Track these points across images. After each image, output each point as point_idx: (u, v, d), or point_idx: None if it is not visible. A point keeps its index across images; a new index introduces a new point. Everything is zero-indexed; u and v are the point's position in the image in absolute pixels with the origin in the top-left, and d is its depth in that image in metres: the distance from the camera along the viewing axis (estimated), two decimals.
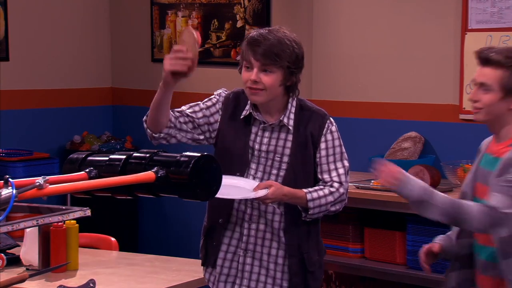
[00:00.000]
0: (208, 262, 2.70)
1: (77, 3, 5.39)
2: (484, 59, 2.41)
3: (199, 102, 2.69)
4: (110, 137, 5.39)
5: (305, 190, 2.60)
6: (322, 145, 2.63)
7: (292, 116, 2.63)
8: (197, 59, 2.47)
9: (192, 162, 1.74)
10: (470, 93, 2.43)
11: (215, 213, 2.68)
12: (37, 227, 2.91)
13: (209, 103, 2.68)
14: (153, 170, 1.75)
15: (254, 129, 2.65)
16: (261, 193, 2.53)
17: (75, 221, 2.99)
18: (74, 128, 5.33)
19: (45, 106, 5.27)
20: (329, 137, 2.64)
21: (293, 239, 2.64)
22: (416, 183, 2.39)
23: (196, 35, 2.46)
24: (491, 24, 4.06)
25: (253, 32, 2.61)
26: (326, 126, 2.63)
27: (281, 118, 2.62)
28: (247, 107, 2.65)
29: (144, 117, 2.63)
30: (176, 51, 2.46)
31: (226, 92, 2.71)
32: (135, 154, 1.82)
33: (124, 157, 1.81)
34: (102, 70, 5.53)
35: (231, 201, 2.63)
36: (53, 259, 2.94)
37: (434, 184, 3.88)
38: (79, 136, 5.31)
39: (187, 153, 1.78)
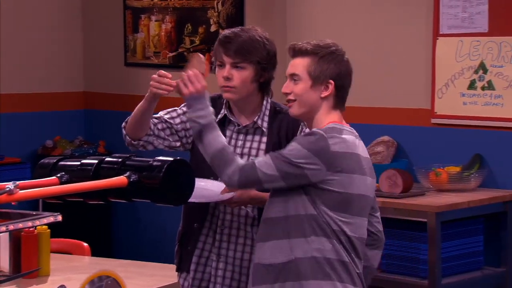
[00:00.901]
0: (183, 268, 2.70)
1: (49, 6, 5.35)
2: (292, 50, 2.40)
3: (176, 108, 2.70)
4: (83, 141, 5.36)
5: None
6: None
7: (266, 118, 2.65)
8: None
9: (165, 166, 1.73)
10: (283, 87, 2.40)
11: (190, 218, 2.68)
12: (7, 233, 2.88)
13: (185, 108, 2.69)
14: (126, 174, 1.74)
15: (228, 133, 2.65)
16: (227, 196, 2.53)
17: (46, 226, 2.96)
18: (46, 133, 5.28)
19: (16, 111, 5.22)
20: None
21: None
22: (209, 109, 2.39)
23: (206, 65, 2.47)
24: (462, 29, 4.10)
25: (225, 31, 2.65)
26: (300, 128, 2.65)
27: (255, 120, 2.64)
28: (222, 110, 2.66)
29: (123, 124, 2.63)
30: (162, 75, 2.49)
31: None
32: (107, 159, 1.81)
33: (96, 161, 1.80)
34: (75, 74, 5.49)
35: (206, 205, 2.63)
36: (24, 265, 2.91)
37: (406, 188, 3.91)
38: (51, 140, 5.27)
39: (160, 158, 1.78)
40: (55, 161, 1.85)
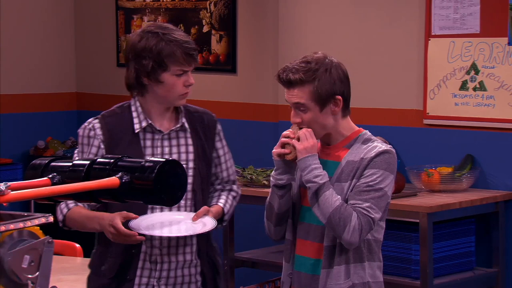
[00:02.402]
0: None
1: (41, 7, 5.34)
2: (287, 82, 2.35)
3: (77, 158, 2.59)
4: (75, 142, 5.35)
5: (220, 205, 2.60)
6: (218, 144, 2.64)
7: (184, 119, 2.58)
8: None
9: (157, 167, 1.73)
10: (291, 115, 2.39)
11: (124, 244, 2.51)
12: None
13: (86, 149, 2.58)
14: (118, 175, 1.74)
15: (148, 143, 2.54)
16: (211, 224, 2.48)
17: (38, 228, 2.95)
18: (38, 134, 5.27)
19: (9, 111, 5.21)
20: (221, 135, 2.66)
21: (203, 247, 2.59)
22: (321, 166, 2.34)
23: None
24: (454, 30, 4.11)
25: (174, 34, 2.50)
26: (216, 125, 2.64)
27: (183, 121, 2.56)
28: (140, 121, 2.55)
29: (61, 217, 2.54)
30: (128, 235, 2.42)
31: (96, 121, 2.61)
32: (99, 160, 1.80)
33: (87, 162, 1.79)
34: (67, 74, 5.48)
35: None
36: None
37: (398, 189, 3.91)
38: (43, 141, 5.26)
39: (152, 159, 1.77)
40: (46, 162, 1.84)
